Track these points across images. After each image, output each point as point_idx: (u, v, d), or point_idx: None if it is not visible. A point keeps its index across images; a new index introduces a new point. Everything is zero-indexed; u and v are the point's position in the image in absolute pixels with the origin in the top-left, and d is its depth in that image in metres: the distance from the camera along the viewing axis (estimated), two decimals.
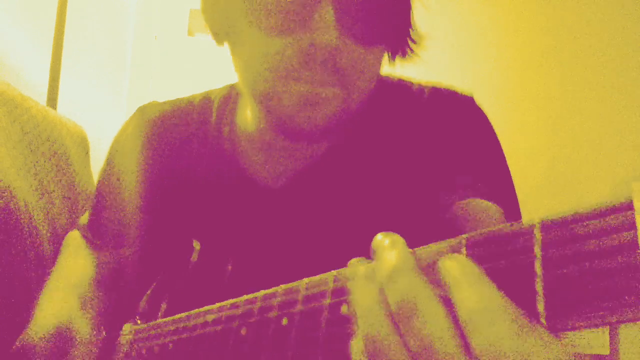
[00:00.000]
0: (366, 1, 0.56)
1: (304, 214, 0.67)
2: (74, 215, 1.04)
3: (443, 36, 1.93)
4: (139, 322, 0.67)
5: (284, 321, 0.40)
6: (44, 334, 0.64)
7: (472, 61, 2.01)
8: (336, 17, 0.54)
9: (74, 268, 0.80)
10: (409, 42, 0.64)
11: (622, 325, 0.33)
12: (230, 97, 0.76)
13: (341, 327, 0.36)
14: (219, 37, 0.65)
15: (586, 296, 0.26)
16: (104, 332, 0.69)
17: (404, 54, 0.65)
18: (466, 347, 0.29)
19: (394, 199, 0.66)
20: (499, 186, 0.65)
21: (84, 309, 0.70)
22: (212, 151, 0.73)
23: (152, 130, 0.76)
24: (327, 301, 0.38)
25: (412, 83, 0.72)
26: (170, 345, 0.55)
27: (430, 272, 0.32)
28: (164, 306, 0.69)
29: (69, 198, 1.05)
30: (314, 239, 0.65)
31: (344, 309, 0.37)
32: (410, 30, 0.64)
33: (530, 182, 1.86)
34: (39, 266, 0.86)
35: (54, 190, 1.00)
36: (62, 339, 0.64)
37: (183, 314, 0.56)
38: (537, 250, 0.28)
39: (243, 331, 0.44)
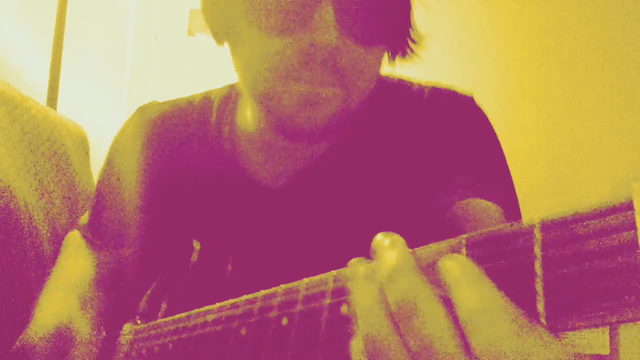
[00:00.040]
0: (366, 1, 0.56)
1: (303, 214, 0.67)
2: (74, 215, 1.04)
3: (443, 36, 1.93)
4: (139, 322, 0.67)
5: (284, 321, 0.40)
6: (43, 334, 0.64)
7: (472, 61, 2.01)
8: (336, 17, 0.54)
9: (74, 268, 0.80)
10: (409, 42, 0.64)
11: (622, 325, 0.33)
12: (230, 97, 0.76)
13: (341, 327, 0.36)
14: (218, 37, 0.65)
15: (586, 296, 0.26)
16: (104, 332, 0.69)
17: (404, 54, 0.65)
18: (466, 347, 0.29)
19: (394, 199, 0.66)
20: (499, 186, 0.65)
21: (84, 309, 0.70)
22: (212, 151, 0.73)
23: (152, 130, 0.76)
24: (327, 301, 0.38)
25: (412, 83, 0.72)
26: (170, 345, 0.55)
27: (430, 272, 0.32)
28: (164, 306, 0.69)
29: (69, 198, 1.05)
30: (314, 239, 0.65)
31: (344, 309, 0.37)
32: (410, 30, 0.64)
33: (530, 182, 1.86)
34: (39, 266, 0.86)
35: (54, 190, 1.00)
36: (62, 339, 0.64)
37: (183, 314, 0.56)
38: (537, 250, 0.28)
39: (243, 331, 0.44)
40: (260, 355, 0.41)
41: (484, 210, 0.60)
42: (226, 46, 0.66)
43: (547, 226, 0.28)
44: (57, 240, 0.93)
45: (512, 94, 1.97)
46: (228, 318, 0.47)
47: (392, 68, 0.67)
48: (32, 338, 0.64)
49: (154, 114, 0.77)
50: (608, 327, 0.26)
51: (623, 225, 0.25)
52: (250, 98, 0.63)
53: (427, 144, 0.66)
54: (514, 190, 0.66)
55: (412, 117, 0.68)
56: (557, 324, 0.27)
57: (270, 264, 0.65)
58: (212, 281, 0.68)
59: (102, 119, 1.84)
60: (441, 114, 0.68)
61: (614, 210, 0.26)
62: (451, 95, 0.70)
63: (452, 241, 0.33)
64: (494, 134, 0.68)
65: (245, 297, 0.46)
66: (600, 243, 0.26)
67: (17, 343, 0.64)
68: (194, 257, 0.69)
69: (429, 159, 0.66)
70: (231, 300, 0.48)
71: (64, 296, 0.72)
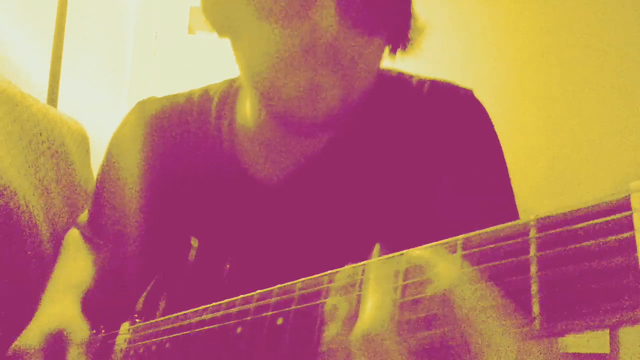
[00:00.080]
0: None
1: (302, 211, 0.67)
2: (74, 214, 1.04)
3: (443, 36, 1.93)
4: (137, 320, 0.67)
5: (279, 321, 0.40)
6: (40, 338, 0.64)
7: (472, 61, 2.01)
8: (337, 6, 0.54)
9: (74, 269, 0.80)
10: (410, 32, 0.64)
11: None
12: (229, 92, 0.76)
13: None
14: (219, 31, 0.65)
15: (582, 298, 0.26)
16: (103, 332, 0.69)
17: (404, 47, 0.65)
18: None
19: (393, 194, 0.66)
20: (496, 180, 0.65)
21: (83, 311, 0.70)
22: (211, 147, 0.73)
23: (151, 126, 0.76)
24: (322, 301, 0.38)
25: (411, 76, 0.72)
26: (168, 343, 0.55)
27: (419, 273, 0.32)
28: (162, 304, 0.69)
29: (69, 196, 1.05)
30: (313, 236, 0.65)
31: None
32: (410, 20, 0.64)
33: (530, 182, 1.86)
34: (39, 265, 0.85)
35: (54, 189, 1.00)
36: (57, 342, 0.64)
37: (180, 313, 0.56)
38: (533, 250, 0.28)
39: (239, 330, 0.44)
40: (256, 353, 0.41)
41: (481, 207, 0.60)
42: (227, 43, 0.66)
43: (544, 225, 0.28)
44: (57, 239, 0.93)
45: (512, 94, 1.96)
46: (224, 317, 0.47)
47: (393, 62, 0.67)
48: (28, 342, 0.64)
49: (153, 110, 0.77)
50: (605, 329, 0.26)
51: (621, 225, 0.25)
52: (251, 90, 0.63)
53: (426, 138, 0.66)
54: (510, 186, 0.66)
55: (411, 110, 0.68)
56: (552, 327, 0.27)
57: (269, 261, 0.65)
58: (211, 279, 0.68)
59: (102, 118, 1.84)
60: (440, 108, 0.68)
61: (611, 209, 0.26)
62: (450, 89, 0.70)
63: (448, 241, 0.32)
64: (493, 128, 0.68)
65: (241, 296, 0.46)
66: (597, 243, 0.26)
67: (12, 347, 0.65)
68: (192, 254, 0.69)
69: (428, 153, 0.66)
70: (227, 299, 0.48)
71: (63, 298, 0.72)
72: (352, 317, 0.34)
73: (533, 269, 0.27)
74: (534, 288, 0.27)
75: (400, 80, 0.71)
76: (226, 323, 0.46)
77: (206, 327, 0.49)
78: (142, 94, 2.08)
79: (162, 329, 0.58)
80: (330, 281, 0.38)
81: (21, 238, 0.82)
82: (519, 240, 0.29)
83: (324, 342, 0.36)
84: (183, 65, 2.12)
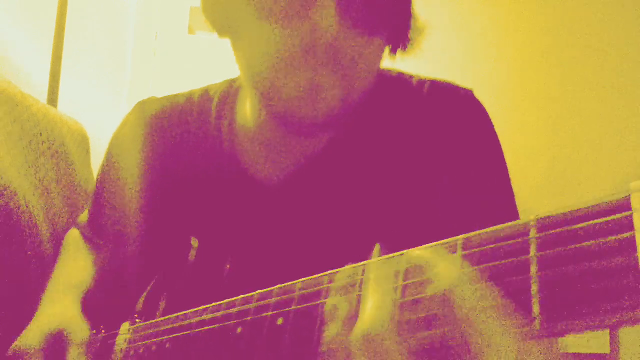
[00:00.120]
0: None
1: (302, 211, 0.67)
2: (74, 214, 1.04)
3: (443, 36, 1.93)
4: (137, 320, 0.67)
5: (279, 321, 0.40)
6: (39, 338, 0.64)
7: (472, 61, 2.01)
8: (337, 5, 0.54)
9: (74, 269, 0.80)
10: (410, 32, 0.64)
11: None
12: (229, 92, 0.76)
13: None
14: (219, 31, 0.65)
15: (582, 298, 0.26)
16: (103, 332, 0.69)
17: (404, 46, 0.65)
18: None
19: (393, 194, 0.66)
20: (496, 180, 0.65)
21: (83, 311, 0.70)
22: (210, 148, 0.73)
23: (151, 126, 0.76)
24: (322, 301, 0.38)
25: (411, 76, 0.72)
26: (168, 344, 0.55)
27: (419, 273, 0.32)
28: (162, 304, 0.69)
29: (69, 196, 1.05)
30: (313, 236, 0.65)
31: None
32: (410, 20, 0.64)
33: (530, 182, 1.86)
34: (39, 265, 0.85)
35: (54, 189, 1.00)
36: (57, 342, 0.64)
37: (180, 313, 0.56)
38: (533, 250, 0.28)
39: (239, 330, 0.44)
40: (256, 354, 0.41)
41: (481, 207, 0.60)
42: (227, 43, 0.66)
43: (544, 225, 0.28)
44: (57, 239, 0.93)
45: (512, 94, 1.96)
46: (224, 317, 0.47)
47: (393, 62, 0.67)
48: (28, 342, 0.64)
49: (153, 110, 0.77)
50: (605, 329, 0.26)
51: (621, 225, 0.25)
52: (251, 91, 0.63)
53: (426, 138, 0.66)
54: (510, 186, 0.66)
55: (411, 110, 0.68)
56: (552, 327, 0.27)
57: (269, 261, 0.65)
58: (211, 279, 0.68)
59: (102, 118, 1.84)
60: (440, 108, 0.68)
61: (611, 209, 0.26)
62: (450, 89, 0.70)
63: (449, 241, 0.32)
64: (493, 128, 0.68)
65: (241, 296, 0.46)
66: (597, 243, 0.26)
67: (12, 347, 0.65)
68: (192, 254, 0.69)
69: (428, 153, 0.66)
70: (227, 299, 0.48)
71: (63, 298, 0.72)
72: (352, 317, 0.34)
73: (533, 269, 0.27)
74: (534, 288, 0.27)
75: (400, 80, 0.71)
76: (226, 323, 0.46)
77: (206, 327, 0.49)
78: (142, 94, 2.08)
79: (162, 329, 0.58)
80: (330, 281, 0.38)
81: (21, 238, 0.82)
82: (519, 240, 0.29)
83: (324, 342, 0.36)
84: (183, 65, 2.12)
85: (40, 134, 1.02)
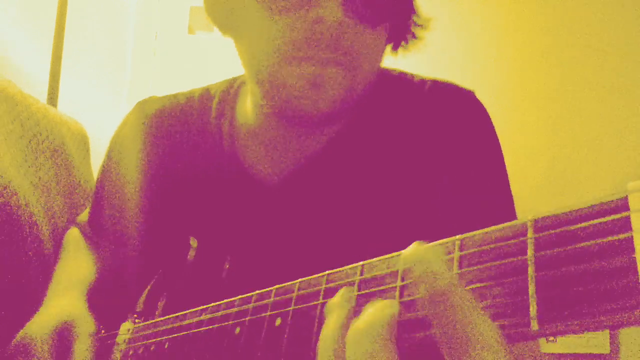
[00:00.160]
0: None
1: (302, 210, 0.67)
2: (74, 214, 1.04)
3: (443, 36, 1.92)
4: (136, 320, 0.67)
5: (278, 321, 0.40)
6: (46, 329, 0.64)
7: (472, 61, 2.01)
8: None
9: (76, 266, 0.80)
10: (412, 25, 0.65)
11: None
12: (229, 91, 0.76)
13: None
14: (222, 27, 0.66)
15: (580, 299, 0.26)
16: (102, 331, 0.69)
17: (406, 40, 0.65)
18: None
19: (393, 193, 0.66)
20: (495, 182, 0.65)
21: (87, 305, 0.70)
22: (211, 147, 0.73)
23: (151, 125, 0.76)
24: (320, 301, 0.38)
25: (413, 76, 0.72)
26: (167, 344, 0.55)
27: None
28: (161, 304, 0.69)
29: (70, 196, 1.05)
30: (312, 235, 0.65)
31: None
32: (412, 12, 0.64)
33: (530, 182, 1.86)
34: (39, 264, 0.85)
35: (54, 188, 1.00)
36: (64, 335, 0.64)
37: (179, 313, 0.56)
38: (530, 250, 0.28)
39: (237, 330, 0.44)
40: (254, 354, 0.41)
41: (479, 208, 0.60)
42: (227, 44, 0.66)
43: (541, 226, 0.28)
44: (57, 238, 0.93)
45: (512, 94, 1.96)
46: (222, 317, 0.47)
47: (394, 61, 0.68)
48: (34, 332, 0.63)
49: (154, 109, 0.77)
50: (603, 330, 0.26)
51: (619, 226, 0.25)
52: (255, 86, 0.63)
53: (427, 137, 0.66)
54: (509, 188, 0.67)
55: (412, 109, 0.68)
56: (550, 327, 0.26)
57: (268, 261, 0.65)
58: (210, 278, 0.68)
59: (102, 118, 1.84)
60: (442, 108, 0.68)
61: (609, 209, 0.26)
62: (452, 89, 0.70)
63: (446, 241, 0.32)
64: (494, 129, 0.69)
65: (240, 296, 0.46)
66: (595, 243, 0.26)
67: (17, 337, 0.64)
68: (191, 254, 0.69)
69: (428, 152, 0.66)
70: (226, 300, 0.48)
71: (68, 292, 0.72)
72: (350, 318, 0.34)
73: (530, 269, 0.27)
74: (532, 289, 0.27)
75: (402, 79, 0.71)
76: (225, 323, 0.46)
77: (205, 328, 0.49)
78: (142, 94, 2.08)
79: (161, 329, 0.58)
80: (329, 281, 0.38)
81: (21, 237, 0.82)
82: (517, 240, 0.29)
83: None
84: (183, 65, 2.12)
85: (40, 134, 1.02)
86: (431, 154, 0.66)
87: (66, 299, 0.71)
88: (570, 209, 0.27)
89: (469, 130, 0.67)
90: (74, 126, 1.17)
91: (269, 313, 0.42)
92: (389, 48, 0.67)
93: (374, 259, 0.37)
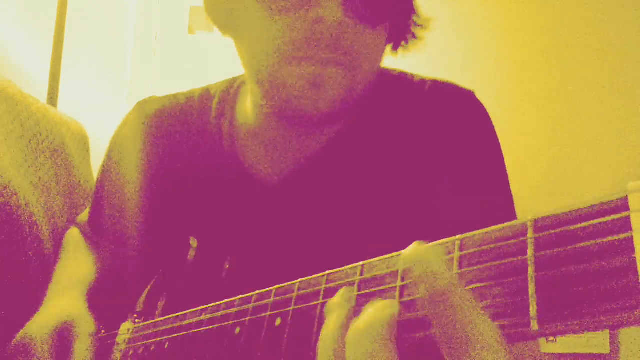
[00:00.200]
0: None
1: (302, 210, 0.67)
2: (74, 214, 1.04)
3: (443, 36, 1.92)
4: (136, 320, 0.67)
5: (278, 321, 0.40)
6: (47, 329, 0.64)
7: (472, 61, 2.01)
8: None
9: (77, 266, 0.80)
10: (412, 24, 0.65)
11: None
12: (230, 91, 0.76)
13: None
14: (222, 27, 0.66)
15: (580, 298, 0.26)
16: (102, 331, 0.69)
17: (406, 39, 0.65)
18: None
19: (392, 193, 0.66)
20: (495, 182, 0.65)
21: (87, 305, 0.70)
22: (211, 147, 0.73)
23: (151, 125, 0.76)
24: (320, 301, 0.38)
25: (413, 76, 0.72)
26: (167, 344, 0.55)
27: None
28: (161, 304, 0.69)
29: (69, 196, 1.05)
30: (312, 235, 0.65)
31: None
32: (412, 11, 0.64)
33: (530, 182, 1.86)
34: (39, 264, 0.85)
35: (54, 188, 1.00)
36: (64, 334, 0.64)
37: (179, 313, 0.56)
38: (530, 250, 0.28)
39: (237, 330, 0.44)
40: (254, 354, 0.41)
41: (479, 208, 0.60)
42: (227, 44, 0.66)
43: (541, 226, 0.28)
44: (57, 238, 0.93)
45: (512, 94, 1.96)
46: (222, 317, 0.47)
47: (394, 60, 0.68)
48: (34, 331, 0.63)
49: (154, 109, 0.77)
50: (603, 330, 0.26)
51: (619, 226, 0.25)
52: (255, 86, 0.63)
53: (426, 137, 0.66)
54: (509, 188, 0.67)
55: (412, 109, 0.68)
56: (550, 327, 0.27)
57: (269, 261, 0.65)
58: (210, 278, 0.68)
59: (102, 118, 1.84)
60: (442, 108, 0.68)
61: (609, 209, 0.26)
62: (452, 89, 0.70)
63: (446, 241, 0.33)
64: (494, 130, 0.69)
65: (239, 296, 0.46)
66: (595, 243, 0.26)
67: (17, 337, 0.64)
68: (191, 254, 0.69)
69: (428, 153, 0.66)
70: (226, 300, 0.48)
71: (68, 292, 0.72)
72: (350, 318, 0.34)
73: (530, 269, 0.27)
74: (532, 289, 0.27)
75: (402, 79, 0.71)
76: (224, 324, 0.46)
77: (205, 328, 0.49)
78: (142, 94, 2.08)
79: (161, 329, 0.58)
80: (329, 281, 0.38)
81: (21, 237, 0.82)
82: (517, 240, 0.29)
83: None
84: (183, 65, 2.12)
85: (40, 134, 1.02)
86: (431, 154, 0.66)
87: (66, 299, 0.71)
88: (570, 209, 0.27)
89: (469, 131, 0.67)
90: (74, 126, 1.17)
91: (269, 313, 0.42)
92: (389, 48, 0.67)
93: (374, 259, 0.37)
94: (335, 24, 0.55)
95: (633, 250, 0.24)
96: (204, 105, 0.76)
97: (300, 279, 0.41)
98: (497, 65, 1.99)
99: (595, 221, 0.26)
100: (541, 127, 1.94)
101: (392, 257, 0.36)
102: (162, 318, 0.59)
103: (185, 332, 0.52)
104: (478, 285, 0.30)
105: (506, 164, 0.68)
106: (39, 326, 0.64)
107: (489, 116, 0.69)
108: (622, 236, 0.25)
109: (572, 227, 0.27)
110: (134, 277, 0.74)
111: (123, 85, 2.08)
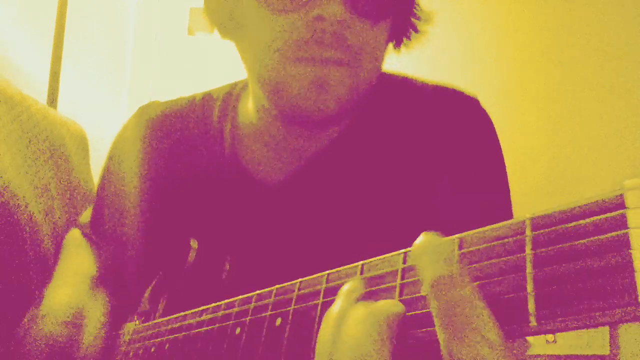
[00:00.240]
0: None
1: (302, 211, 0.67)
2: (73, 214, 1.04)
3: (443, 36, 1.92)
4: (137, 321, 0.68)
5: (278, 321, 0.40)
6: (59, 320, 0.63)
7: (472, 61, 2.01)
8: None
9: (79, 262, 0.80)
10: (414, 20, 0.65)
11: (622, 325, 0.33)
12: (231, 94, 0.76)
13: None
14: (223, 29, 0.66)
15: (577, 295, 0.26)
16: (103, 332, 0.69)
17: (408, 35, 0.65)
18: None
19: (393, 195, 0.66)
20: (495, 188, 0.65)
21: (94, 295, 0.70)
22: (212, 149, 0.73)
23: (152, 130, 0.76)
24: (320, 301, 0.38)
25: (416, 80, 0.72)
26: (167, 345, 0.55)
27: (417, 272, 0.32)
28: (162, 305, 0.69)
29: (69, 197, 1.06)
30: (312, 236, 0.65)
31: None
32: (414, 6, 0.64)
33: (530, 182, 1.86)
34: (39, 265, 0.86)
35: (53, 189, 1.00)
36: (75, 324, 0.64)
37: (180, 314, 0.56)
38: (528, 248, 0.28)
39: (237, 331, 0.44)
40: (254, 354, 0.41)
41: (478, 213, 0.60)
42: (227, 44, 0.66)
43: (539, 224, 0.28)
44: (57, 238, 0.93)
45: (512, 94, 1.96)
46: (223, 317, 0.47)
47: (396, 59, 0.68)
48: (48, 324, 0.63)
49: (155, 114, 0.78)
50: (600, 327, 0.26)
51: (615, 223, 0.25)
52: (258, 88, 0.63)
53: (428, 141, 0.66)
54: (509, 195, 0.67)
55: (414, 113, 0.68)
56: (548, 324, 0.27)
57: (269, 262, 0.65)
58: (210, 280, 0.68)
59: (102, 118, 1.84)
60: (444, 112, 0.68)
61: (605, 207, 0.26)
62: (455, 94, 0.70)
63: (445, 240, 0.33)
64: (496, 136, 0.69)
65: (240, 296, 0.47)
66: (592, 241, 0.26)
67: (25, 320, 0.64)
68: (192, 255, 0.69)
69: (429, 156, 0.66)
70: (226, 300, 0.48)
71: (75, 283, 0.72)
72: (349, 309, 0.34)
73: (528, 267, 0.27)
74: (530, 286, 0.27)
75: (404, 82, 0.71)
76: (225, 324, 0.46)
77: (205, 328, 0.49)
78: (142, 94, 2.08)
79: (161, 330, 0.58)
80: (329, 281, 0.39)
81: (21, 237, 0.83)
82: (515, 238, 0.29)
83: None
84: (183, 65, 2.12)
85: (40, 134, 1.02)
86: (432, 157, 0.66)
87: (74, 288, 0.71)
88: (567, 206, 0.27)
89: (470, 136, 0.67)
90: (74, 127, 1.17)
91: (269, 313, 0.42)
92: (391, 46, 0.67)
93: (374, 258, 0.37)
94: (337, 21, 0.55)
95: (629, 246, 0.24)
96: (206, 108, 0.76)
97: (300, 279, 0.41)
98: (497, 65, 1.99)
99: (592, 219, 0.26)
100: (541, 127, 1.94)
101: (392, 256, 0.36)
102: (162, 319, 0.59)
103: (186, 333, 0.52)
104: (477, 283, 0.30)
105: (506, 164, 0.68)
106: (55, 318, 0.64)
107: (491, 122, 0.69)
108: (618, 233, 0.25)
109: (570, 225, 0.27)
110: (135, 278, 0.74)
111: (123, 85, 2.09)
